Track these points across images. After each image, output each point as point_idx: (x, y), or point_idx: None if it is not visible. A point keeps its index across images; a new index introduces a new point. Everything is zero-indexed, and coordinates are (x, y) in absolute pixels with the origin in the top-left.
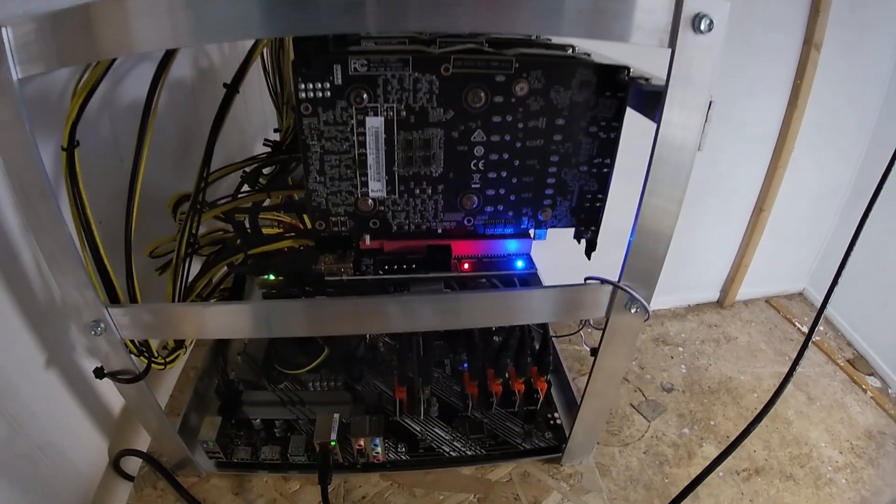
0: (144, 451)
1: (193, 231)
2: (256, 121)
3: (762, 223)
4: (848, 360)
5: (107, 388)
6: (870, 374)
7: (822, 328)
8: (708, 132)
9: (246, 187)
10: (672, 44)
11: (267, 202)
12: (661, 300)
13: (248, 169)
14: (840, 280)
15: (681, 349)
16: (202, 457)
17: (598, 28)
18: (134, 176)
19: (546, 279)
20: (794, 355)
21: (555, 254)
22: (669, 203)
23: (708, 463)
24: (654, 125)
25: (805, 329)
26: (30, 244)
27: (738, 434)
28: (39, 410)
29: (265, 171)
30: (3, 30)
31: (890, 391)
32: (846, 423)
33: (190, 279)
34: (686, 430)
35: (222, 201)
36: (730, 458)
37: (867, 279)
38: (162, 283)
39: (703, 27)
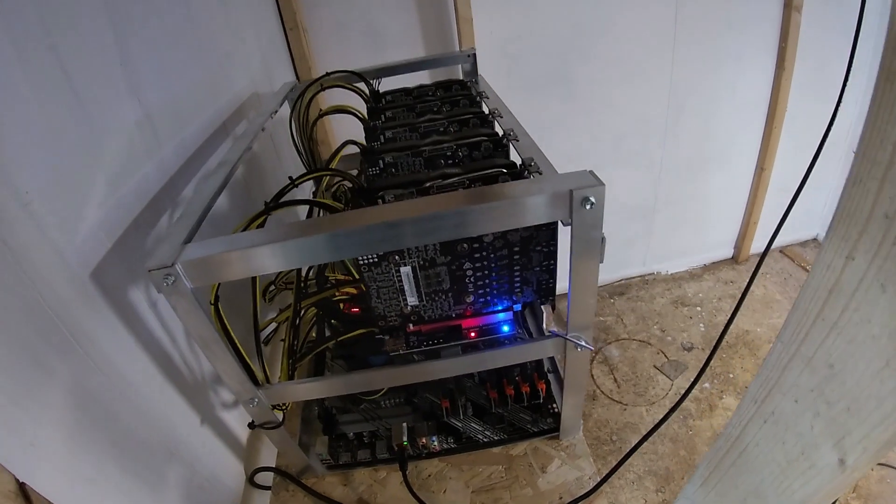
0: (271, 467)
1: (297, 323)
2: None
3: (765, 181)
4: None
5: (238, 429)
6: None
7: None
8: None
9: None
10: (570, 217)
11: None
12: (678, 263)
13: None
14: None
15: (699, 308)
16: (317, 463)
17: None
18: (254, 295)
19: None
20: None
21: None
22: (588, 279)
23: (729, 413)
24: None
25: None
26: (188, 357)
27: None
28: (200, 451)
29: None
30: (177, 266)
31: None
32: None
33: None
34: (707, 385)
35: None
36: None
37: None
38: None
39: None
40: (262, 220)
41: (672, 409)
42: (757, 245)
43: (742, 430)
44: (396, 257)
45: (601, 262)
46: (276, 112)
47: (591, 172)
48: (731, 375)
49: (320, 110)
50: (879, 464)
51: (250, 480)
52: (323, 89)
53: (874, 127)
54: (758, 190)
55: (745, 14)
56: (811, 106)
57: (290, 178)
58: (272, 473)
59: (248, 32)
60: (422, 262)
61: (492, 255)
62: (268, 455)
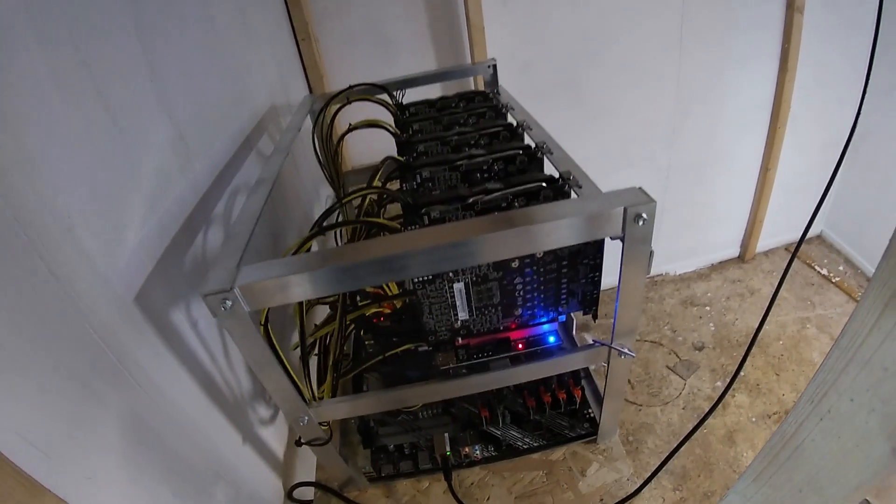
0: (312, 482)
1: (342, 344)
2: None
3: (770, 181)
4: None
5: (275, 445)
6: None
7: (841, 268)
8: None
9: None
10: (623, 232)
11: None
12: (685, 264)
13: None
14: (857, 220)
15: (708, 308)
16: (359, 476)
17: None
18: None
19: None
20: (815, 300)
21: None
22: (635, 290)
23: (742, 411)
24: None
25: (825, 272)
26: (228, 377)
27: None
28: (243, 469)
29: None
30: (236, 290)
31: None
32: None
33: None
34: (719, 383)
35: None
36: (761, 403)
37: (882, 216)
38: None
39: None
40: (313, 239)
41: (714, 405)
42: (764, 243)
43: (798, 427)
44: (451, 274)
45: (648, 273)
46: (299, 131)
47: (642, 189)
48: (743, 373)
49: (350, 124)
50: None
51: (289, 496)
52: (349, 102)
53: None
54: (763, 190)
55: (748, 18)
56: (814, 106)
57: (338, 197)
58: (312, 488)
59: (265, 44)
60: (474, 279)
61: (542, 270)
62: (302, 470)
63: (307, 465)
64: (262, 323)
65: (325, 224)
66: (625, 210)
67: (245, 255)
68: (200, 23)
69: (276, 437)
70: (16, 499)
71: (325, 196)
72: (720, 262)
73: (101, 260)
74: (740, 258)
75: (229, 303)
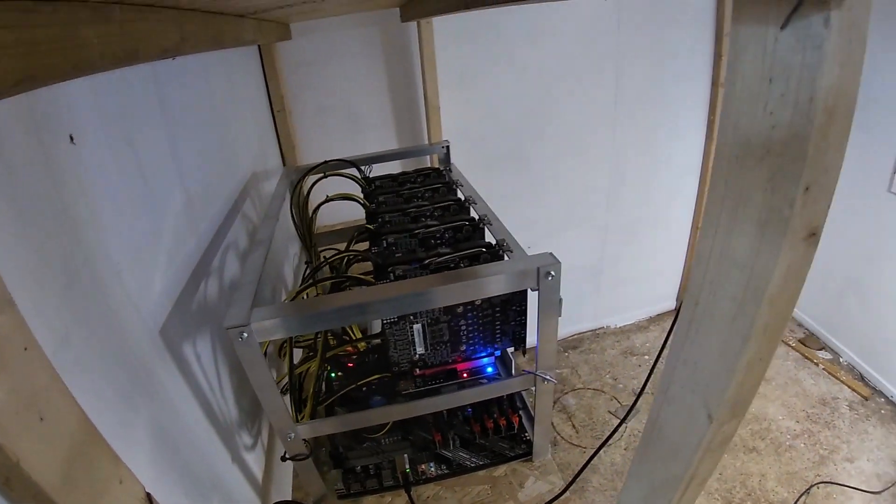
0: (290, 500)
1: (322, 377)
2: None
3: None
4: (799, 340)
5: (255, 468)
6: (820, 349)
7: None
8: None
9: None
10: (538, 285)
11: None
12: (626, 316)
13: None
14: None
15: (647, 357)
16: (332, 493)
17: (510, 287)
18: (290, 351)
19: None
20: None
21: None
22: (551, 329)
23: None
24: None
25: None
26: (220, 403)
27: None
28: (232, 484)
29: None
30: (252, 325)
31: (841, 360)
32: (801, 395)
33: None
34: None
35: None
36: None
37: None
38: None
39: (549, 277)
40: (307, 289)
41: (616, 427)
42: None
43: (658, 412)
44: (411, 317)
45: (559, 316)
46: (284, 200)
47: (552, 254)
48: None
49: (327, 196)
50: (824, 482)
51: None
52: (325, 176)
53: None
54: (694, 246)
55: (677, 93)
56: None
57: (324, 257)
58: None
59: (248, 115)
60: (429, 321)
61: (480, 314)
62: (276, 492)
63: (282, 487)
64: (265, 353)
65: (316, 277)
66: (538, 269)
67: (255, 299)
68: (204, 101)
69: (256, 462)
70: (102, 468)
71: (292, 253)
72: (658, 314)
73: (138, 298)
74: (676, 310)
75: (246, 335)
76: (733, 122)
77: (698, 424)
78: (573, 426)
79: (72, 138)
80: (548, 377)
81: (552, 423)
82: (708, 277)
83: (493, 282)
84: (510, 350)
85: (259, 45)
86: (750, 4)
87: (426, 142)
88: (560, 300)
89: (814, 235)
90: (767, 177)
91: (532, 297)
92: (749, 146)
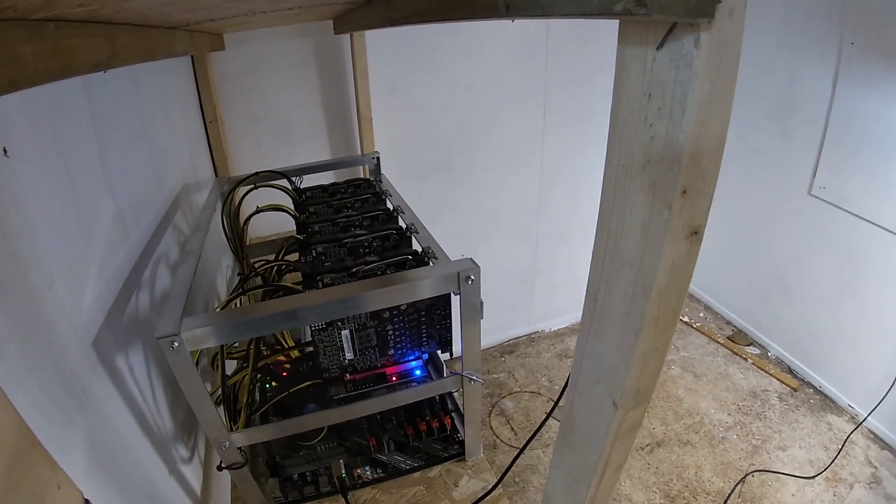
0: None
1: (254, 387)
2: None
3: None
4: (728, 337)
5: (194, 482)
6: (748, 345)
7: (702, 314)
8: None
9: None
10: (459, 289)
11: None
12: (559, 320)
13: None
14: (711, 270)
15: None
16: (270, 501)
17: (432, 291)
18: (222, 361)
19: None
20: (679, 344)
21: None
22: (474, 330)
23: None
24: None
25: (687, 319)
26: (155, 416)
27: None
28: (171, 497)
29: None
30: (182, 334)
31: (769, 354)
32: (731, 389)
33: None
34: None
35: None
36: (636, 438)
37: (733, 265)
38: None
39: (469, 281)
40: (238, 298)
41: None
42: None
43: (570, 405)
44: (339, 323)
45: (482, 318)
46: (215, 211)
47: (471, 259)
48: None
49: (257, 207)
50: (758, 470)
51: None
52: (256, 188)
53: None
54: None
55: (605, 106)
56: None
57: (254, 268)
58: None
59: (180, 126)
60: (357, 326)
61: (406, 319)
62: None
63: (220, 501)
64: (196, 362)
65: (245, 286)
66: (458, 273)
67: (186, 309)
68: (134, 112)
69: (194, 474)
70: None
71: (225, 265)
72: None
73: (70, 310)
74: None
75: (177, 344)
76: (619, 134)
77: (605, 413)
78: (512, 429)
79: (5, 151)
80: (474, 377)
81: (491, 427)
82: (604, 276)
83: (416, 286)
84: (443, 355)
85: (192, 56)
86: (633, 27)
87: (359, 152)
88: (481, 303)
89: (696, 234)
90: (649, 183)
91: (457, 302)
92: (632, 156)
